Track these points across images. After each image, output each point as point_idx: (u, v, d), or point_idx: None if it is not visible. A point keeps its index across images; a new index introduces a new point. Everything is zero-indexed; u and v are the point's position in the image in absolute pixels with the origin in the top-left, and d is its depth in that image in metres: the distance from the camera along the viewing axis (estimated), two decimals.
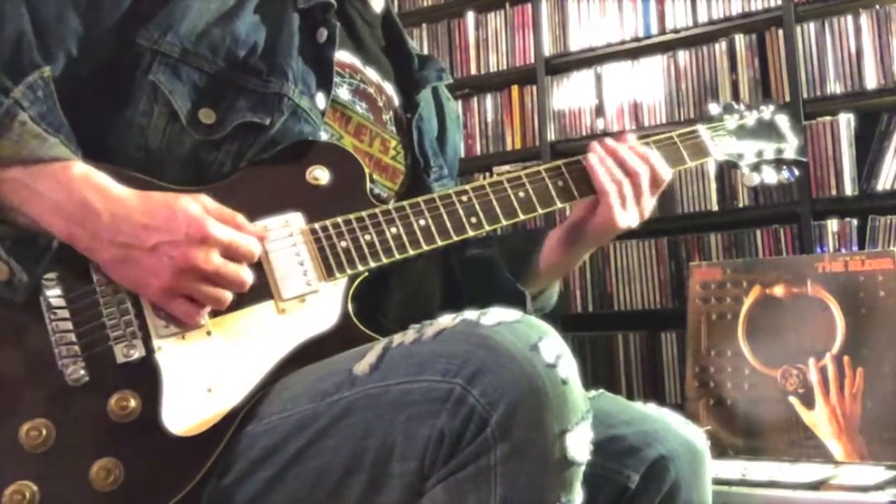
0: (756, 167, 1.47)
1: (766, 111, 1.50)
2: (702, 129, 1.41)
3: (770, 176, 1.48)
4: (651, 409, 1.25)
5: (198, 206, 1.01)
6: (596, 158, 1.27)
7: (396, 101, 1.36)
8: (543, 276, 1.37)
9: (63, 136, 1.02)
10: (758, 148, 1.47)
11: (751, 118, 1.48)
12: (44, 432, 0.95)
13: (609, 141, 1.30)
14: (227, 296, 1.01)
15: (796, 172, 1.51)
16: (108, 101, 1.11)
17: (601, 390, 1.25)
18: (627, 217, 1.28)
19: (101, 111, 1.11)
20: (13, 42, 1.05)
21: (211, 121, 1.11)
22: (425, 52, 1.48)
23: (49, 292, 0.99)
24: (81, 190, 0.99)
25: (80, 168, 1.00)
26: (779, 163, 1.49)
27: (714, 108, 1.49)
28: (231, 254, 1.01)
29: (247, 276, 1.02)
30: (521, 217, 1.22)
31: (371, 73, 1.32)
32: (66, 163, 1.00)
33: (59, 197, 0.98)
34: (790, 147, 1.49)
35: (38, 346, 0.97)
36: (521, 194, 1.23)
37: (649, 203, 1.31)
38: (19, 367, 0.97)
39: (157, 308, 1.01)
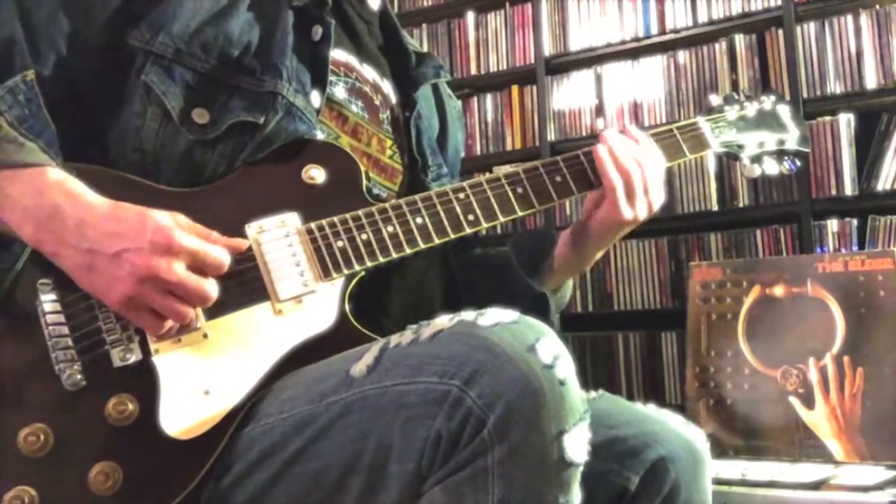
0: (757, 158, 1.46)
1: (768, 101, 1.49)
2: (702, 122, 1.41)
3: (771, 167, 1.47)
4: (651, 411, 1.24)
5: (168, 217, 0.98)
6: (605, 150, 1.25)
7: (394, 100, 1.35)
8: (557, 275, 1.38)
9: (43, 140, 1.02)
10: (759, 139, 1.45)
11: (751, 109, 1.47)
12: (42, 437, 0.95)
13: (613, 133, 1.29)
14: (189, 311, 0.98)
15: (798, 163, 1.50)
16: (104, 102, 1.11)
17: (601, 391, 1.25)
18: (633, 210, 1.26)
19: (96, 112, 1.11)
20: (3, 45, 1.05)
21: (205, 120, 1.10)
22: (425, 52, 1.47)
23: (44, 297, 0.99)
24: (53, 196, 0.97)
25: (55, 174, 0.99)
26: (780, 154, 1.48)
27: (714, 100, 1.49)
28: (198, 264, 0.98)
29: (211, 289, 0.99)
30: (519, 214, 1.21)
31: (367, 72, 1.32)
32: (42, 168, 0.99)
33: (30, 202, 0.97)
34: (792, 137, 1.48)
35: (34, 351, 0.97)
36: (519, 191, 1.22)
37: (657, 193, 1.28)
38: (16, 373, 0.97)
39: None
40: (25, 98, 1.03)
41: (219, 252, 1.00)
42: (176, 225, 0.98)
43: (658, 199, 1.28)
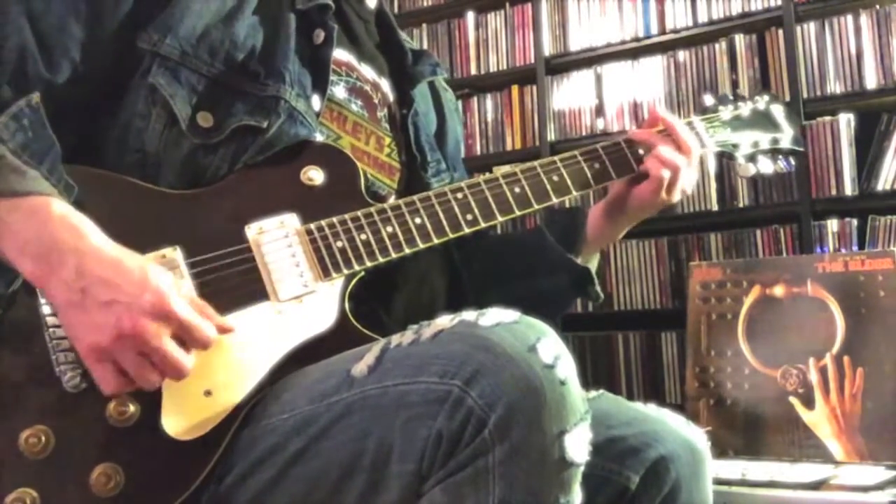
0: (752, 157, 1.47)
1: (761, 101, 1.51)
2: (696, 121, 1.42)
3: (766, 166, 1.48)
4: (651, 410, 1.24)
5: (169, 280, 0.95)
6: (656, 148, 1.32)
7: (391, 97, 1.36)
8: (590, 248, 1.40)
9: (47, 164, 0.99)
10: (753, 138, 1.47)
11: (746, 109, 1.48)
12: (43, 439, 0.95)
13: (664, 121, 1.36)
14: (157, 381, 0.94)
15: (793, 162, 1.51)
16: (105, 103, 1.11)
17: (601, 391, 1.25)
18: (673, 198, 1.35)
19: (98, 113, 1.10)
20: (17, 55, 1.04)
21: (209, 124, 1.10)
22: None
23: (46, 300, 0.98)
24: (56, 230, 0.94)
25: (59, 207, 0.96)
26: (775, 152, 1.49)
27: (709, 100, 1.50)
28: (185, 335, 0.94)
29: (188, 365, 0.95)
30: (517, 213, 1.22)
31: (366, 71, 1.32)
32: (46, 199, 0.96)
33: (31, 234, 0.94)
34: (786, 136, 1.49)
35: (36, 353, 0.97)
36: (517, 190, 1.23)
37: (692, 179, 1.37)
38: (18, 375, 0.97)
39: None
40: (29, 122, 1.00)
41: (208, 329, 0.96)
42: (174, 289, 0.95)
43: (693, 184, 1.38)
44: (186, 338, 0.95)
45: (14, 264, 0.95)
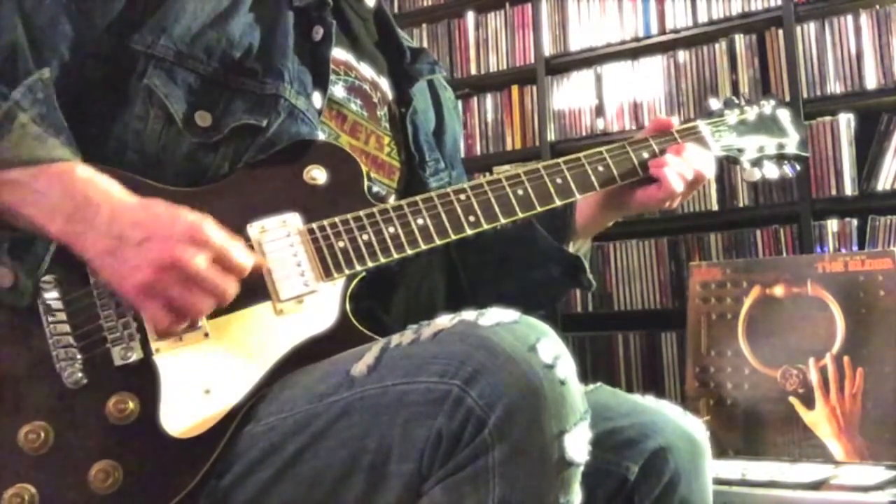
0: (757, 162, 1.46)
1: (767, 106, 1.50)
2: (702, 125, 1.41)
3: (771, 171, 1.47)
4: (649, 401, 1.25)
5: (198, 214, 0.99)
6: (673, 159, 1.32)
7: (391, 96, 1.36)
8: (580, 237, 1.40)
9: (64, 137, 1.02)
10: (759, 143, 1.46)
11: (751, 113, 1.47)
12: (42, 435, 0.95)
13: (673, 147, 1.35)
14: (204, 306, 0.98)
15: (798, 167, 1.50)
16: (104, 104, 1.10)
17: (599, 383, 1.25)
18: (675, 203, 1.36)
19: (97, 115, 1.10)
20: (7, 51, 1.04)
21: (207, 123, 1.10)
22: None
23: (47, 294, 0.99)
24: (84, 189, 0.98)
25: (84, 171, 1.00)
26: (780, 157, 1.49)
27: (714, 104, 1.49)
28: (222, 261, 0.98)
29: (231, 287, 0.99)
30: (520, 215, 1.22)
31: (365, 70, 1.32)
32: (70, 163, 0.99)
33: (58, 195, 0.97)
34: (791, 141, 1.48)
35: (36, 348, 0.97)
36: (520, 192, 1.22)
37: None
38: (18, 370, 0.97)
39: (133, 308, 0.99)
40: (44, 96, 1.02)
41: (244, 253, 1.00)
42: (206, 221, 0.98)
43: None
44: (224, 263, 0.98)
45: (41, 225, 0.97)
